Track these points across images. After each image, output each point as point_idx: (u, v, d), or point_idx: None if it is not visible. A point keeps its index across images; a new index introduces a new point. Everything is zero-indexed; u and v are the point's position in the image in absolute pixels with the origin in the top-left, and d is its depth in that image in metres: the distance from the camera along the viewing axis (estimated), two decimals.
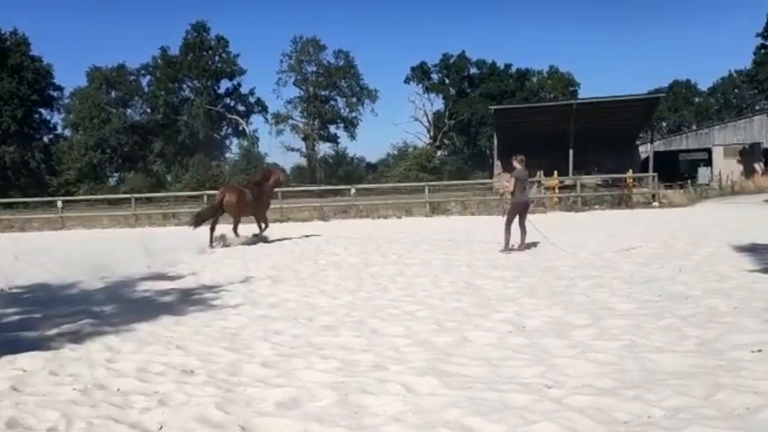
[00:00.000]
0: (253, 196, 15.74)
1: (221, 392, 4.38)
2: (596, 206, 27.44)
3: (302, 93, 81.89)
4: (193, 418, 3.89)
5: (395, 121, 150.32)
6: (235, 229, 15.83)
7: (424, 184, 32.22)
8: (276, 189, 19.46)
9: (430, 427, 3.61)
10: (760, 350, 4.78)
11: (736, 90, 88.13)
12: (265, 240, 15.72)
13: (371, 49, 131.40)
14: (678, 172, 52.65)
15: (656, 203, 27.62)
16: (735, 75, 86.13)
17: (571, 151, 37.58)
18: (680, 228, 15.93)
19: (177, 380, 4.73)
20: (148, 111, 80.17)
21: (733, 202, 30.66)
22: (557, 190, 29.65)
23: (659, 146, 52.37)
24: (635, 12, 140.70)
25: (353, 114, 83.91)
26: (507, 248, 11.86)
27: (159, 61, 79.34)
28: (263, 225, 16.19)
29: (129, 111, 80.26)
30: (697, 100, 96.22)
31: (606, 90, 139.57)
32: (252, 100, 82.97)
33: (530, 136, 42.14)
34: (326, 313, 6.95)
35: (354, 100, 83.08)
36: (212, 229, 15.22)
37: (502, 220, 13.09)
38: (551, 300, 7.19)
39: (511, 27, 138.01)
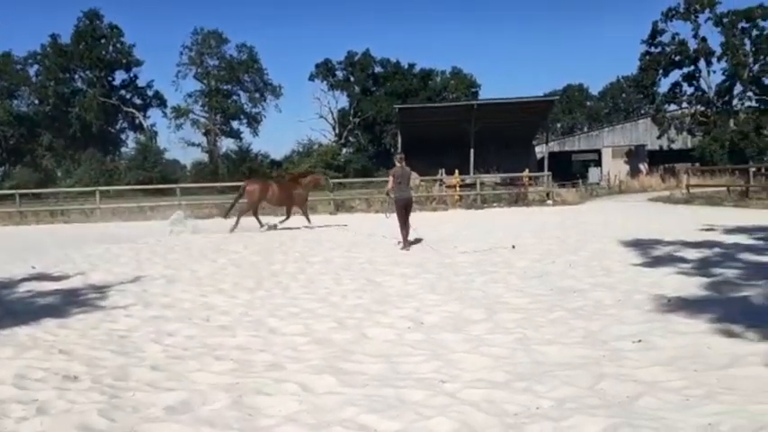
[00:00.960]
0: (281, 190, 18.06)
1: (106, 398, 4.16)
2: (495, 204, 28.32)
3: (203, 86, 79.47)
4: (75, 427, 3.67)
5: (300, 118, 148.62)
6: (255, 215, 17.99)
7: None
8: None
9: (325, 426, 3.57)
10: (640, 340, 5.06)
11: (623, 94, 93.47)
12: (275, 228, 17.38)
13: (275, 44, 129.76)
14: (571, 171, 55.31)
15: (550, 201, 28.84)
16: (622, 80, 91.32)
17: (472, 150, 38.55)
18: (571, 225, 16.69)
19: (59, 386, 4.44)
20: (36, 102, 75.44)
21: (620, 201, 32.52)
22: (458, 188, 30.33)
23: (554, 146, 54.78)
24: (533, 17, 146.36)
25: (257, 110, 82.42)
26: (405, 245, 12.17)
27: (49, 50, 74.64)
28: (286, 217, 18.32)
29: (15, 102, 75.22)
30: (589, 103, 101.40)
31: (505, 92, 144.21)
32: (149, 93, 79.77)
33: (433, 135, 43.00)
34: (223, 313, 6.77)
35: (258, 95, 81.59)
36: (255, 215, 17.95)
37: (388, 218, 13.41)
38: (450, 295, 7.33)
39: (415, 27, 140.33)
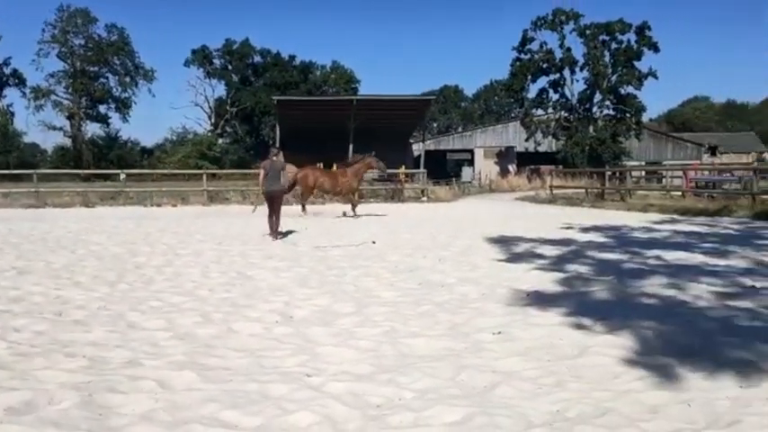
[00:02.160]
0: (329, 178, 19.03)
1: None
2: (372, 199, 28.64)
3: (67, 67, 74.25)
4: None
5: (174, 105, 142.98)
6: (302, 204, 18.90)
7: (202, 171, 31.16)
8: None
9: (182, 423, 3.43)
10: (500, 332, 5.29)
11: (496, 98, 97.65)
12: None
13: (149, 26, 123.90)
14: (445, 170, 57.01)
15: (425, 198, 29.60)
16: (495, 84, 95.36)
17: (351, 146, 38.76)
18: (444, 221, 17.21)
19: None
20: None
21: (490, 199, 33.97)
22: None
23: (430, 145, 56.19)
24: (412, 16, 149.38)
25: (127, 94, 78.12)
26: (273, 235, 12.49)
27: None
28: (355, 205, 19.05)
29: None
30: (463, 104, 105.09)
31: (385, 89, 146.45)
32: (6, 71, 73.45)
33: (312, 128, 42.80)
34: (79, 307, 6.34)
35: (128, 79, 77.30)
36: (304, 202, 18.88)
37: (254, 213, 13.41)
38: (321, 289, 7.31)
39: (296, 19, 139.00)
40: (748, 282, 7.29)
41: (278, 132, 42.49)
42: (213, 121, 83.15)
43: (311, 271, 8.64)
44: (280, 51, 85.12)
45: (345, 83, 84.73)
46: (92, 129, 77.12)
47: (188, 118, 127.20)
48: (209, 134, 77.96)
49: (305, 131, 43.07)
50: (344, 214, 18.67)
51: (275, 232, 12.62)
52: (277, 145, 42.66)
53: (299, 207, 18.90)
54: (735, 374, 4.07)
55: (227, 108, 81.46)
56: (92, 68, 75.39)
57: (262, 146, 79.84)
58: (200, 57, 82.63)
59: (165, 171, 41.65)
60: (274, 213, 12.76)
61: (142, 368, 4.41)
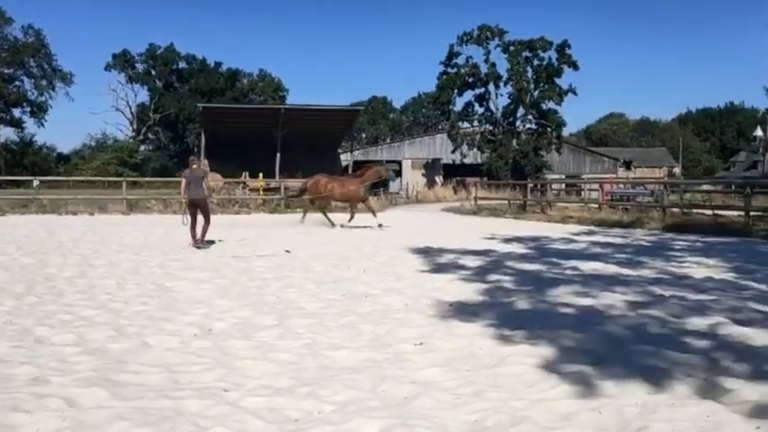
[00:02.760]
0: (339, 186, 18.64)
1: None
2: (299, 209, 28.37)
3: None
4: None
5: (93, 110, 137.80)
6: (305, 212, 19.35)
7: (122, 179, 30.16)
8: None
9: None
10: (422, 343, 5.32)
11: (423, 110, 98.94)
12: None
13: (68, 28, 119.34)
14: None
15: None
16: (423, 96, 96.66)
17: (278, 155, 38.42)
18: (368, 231, 17.23)
19: None
20: None
21: (417, 210, 34.32)
22: (261, 192, 30.01)
23: (358, 155, 56.40)
24: (341, 28, 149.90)
25: (43, 98, 74.82)
26: (196, 243, 12.45)
27: None
28: (373, 212, 18.94)
29: None
30: (392, 116, 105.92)
31: (313, 98, 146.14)
32: None
33: (239, 136, 42.16)
34: None
35: (44, 82, 74.15)
36: (323, 212, 18.94)
37: (185, 224, 13.15)
38: (242, 301, 7.17)
39: (222, 25, 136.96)
40: (658, 291, 7.62)
41: (203, 140, 41.66)
42: (135, 127, 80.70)
43: (233, 282, 8.47)
44: (206, 58, 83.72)
45: (273, 91, 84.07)
46: (5, 133, 73.57)
47: (108, 123, 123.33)
48: (131, 140, 75.61)
49: (231, 140, 42.39)
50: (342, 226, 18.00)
51: (201, 240, 12.56)
52: (201, 153, 41.94)
53: (314, 217, 18.93)
54: (643, 381, 4.22)
55: (150, 114, 79.25)
56: (6, 71, 71.89)
57: (186, 153, 77.93)
58: (122, 61, 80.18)
59: (83, 178, 40.01)
60: (204, 221, 12.80)
61: (49, 385, 4.19)
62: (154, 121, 79.10)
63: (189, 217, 12.87)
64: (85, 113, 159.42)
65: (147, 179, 43.70)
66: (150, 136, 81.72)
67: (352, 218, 18.43)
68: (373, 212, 19.01)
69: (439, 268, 9.78)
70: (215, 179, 34.23)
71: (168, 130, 79.17)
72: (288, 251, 11.54)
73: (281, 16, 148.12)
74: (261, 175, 30.85)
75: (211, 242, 13.09)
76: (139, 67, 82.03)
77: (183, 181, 13.11)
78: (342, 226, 17.80)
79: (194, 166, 13.22)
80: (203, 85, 78.94)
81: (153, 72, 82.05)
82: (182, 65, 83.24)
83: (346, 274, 9.28)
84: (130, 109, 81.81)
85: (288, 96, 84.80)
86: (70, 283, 8.28)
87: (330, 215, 18.91)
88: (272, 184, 31.72)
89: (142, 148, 77.03)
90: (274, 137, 38.32)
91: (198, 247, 12.22)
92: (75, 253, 11.42)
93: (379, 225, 17.74)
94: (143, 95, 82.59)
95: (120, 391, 4.08)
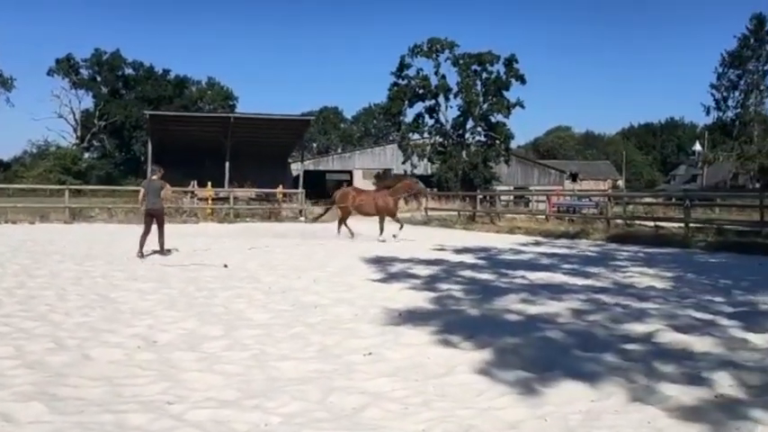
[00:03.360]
0: (367, 199, 18.35)
1: None
2: (248, 219, 28.12)
3: None
4: None
5: (35, 116, 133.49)
6: (339, 224, 18.87)
7: (64, 187, 29.28)
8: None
9: None
10: (371, 353, 5.31)
11: (374, 120, 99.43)
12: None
13: (9, 32, 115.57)
14: (325, 190, 57.09)
15: (302, 218, 29.41)
16: (374, 107, 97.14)
17: (227, 164, 37.94)
18: (323, 241, 17.14)
19: None
20: None
21: (368, 220, 34.22)
22: (210, 201, 29.57)
23: (309, 165, 56.25)
24: (291, 37, 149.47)
25: None
26: (141, 253, 12.27)
27: None
28: (399, 226, 17.99)
29: None
30: (343, 126, 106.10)
31: (264, 107, 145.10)
32: None
33: (187, 145, 41.44)
34: None
35: None
36: (345, 224, 18.66)
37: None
38: (189, 312, 7.02)
39: (171, 32, 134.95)
40: (603, 299, 7.81)
41: (150, 148, 40.81)
42: (79, 134, 78.50)
43: (179, 293, 8.29)
44: (153, 65, 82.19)
45: (223, 100, 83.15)
46: None
47: (51, 130, 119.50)
48: (74, 148, 73.48)
49: (180, 148, 41.61)
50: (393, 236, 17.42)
51: (161, 250, 12.70)
52: (149, 162, 41.10)
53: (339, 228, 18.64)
54: (588, 388, 4.31)
55: (95, 121, 77.29)
56: None
57: (132, 161, 76.43)
58: (66, 66, 78.03)
59: (23, 186, 38.60)
60: (159, 231, 12.82)
61: None
62: (99, 128, 77.17)
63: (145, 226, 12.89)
64: (27, 120, 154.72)
65: (91, 187, 42.58)
66: (95, 143, 79.69)
67: (382, 231, 17.80)
68: (401, 224, 18.42)
69: (390, 278, 9.80)
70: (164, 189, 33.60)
71: (114, 138, 77.37)
72: (226, 266, 11.03)
73: (233, 25, 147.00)
74: (209, 184, 30.40)
75: (169, 251, 13.01)
76: (84, 72, 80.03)
77: (142, 191, 13.27)
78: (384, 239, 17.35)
79: (154, 177, 13.21)
80: (151, 92, 77.49)
81: (98, 78, 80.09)
82: (128, 71, 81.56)
83: (296, 284, 9.20)
84: (74, 116, 79.64)
85: (238, 105, 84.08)
86: (8, 293, 7.96)
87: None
88: (221, 194, 31.30)
89: (86, 155, 75.01)
90: (223, 146, 37.84)
91: (142, 257, 12.11)
92: (14, 263, 11.01)
93: (393, 236, 17.35)
94: (88, 102, 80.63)
95: (60, 406, 3.94)
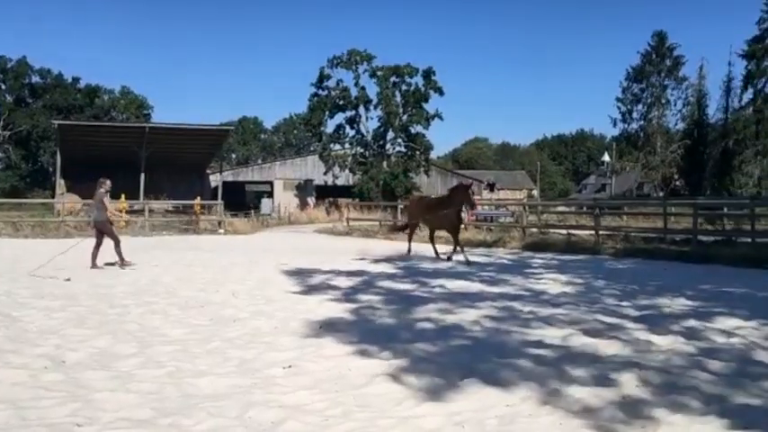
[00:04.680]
0: (433, 210, 15.72)
1: None
2: (164, 231, 27.32)
3: None
4: None
5: None
6: (406, 231, 17.79)
7: None
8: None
9: None
10: (290, 366, 5.27)
11: (295, 131, 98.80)
12: (468, 263, 13.95)
13: None
14: (245, 201, 56.29)
15: (221, 230, 28.86)
16: (294, 117, 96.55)
17: (143, 175, 36.79)
18: (240, 253, 16.88)
19: None
20: None
21: (289, 231, 34.07)
22: (124, 213, 28.52)
23: (228, 176, 55.25)
24: (209, 45, 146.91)
25: None
26: (94, 265, 12.43)
27: None
28: (457, 246, 15.14)
29: None
30: (263, 136, 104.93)
31: (180, 117, 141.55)
32: None
33: (100, 156, 39.83)
34: None
35: None
36: (409, 238, 17.19)
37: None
38: (100, 329, 6.75)
39: (80, 39, 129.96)
40: (517, 306, 8.06)
41: (59, 159, 39.10)
42: None
43: (90, 310, 7.95)
44: (62, 72, 78.74)
45: (137, 109, 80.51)
46: None
47: None
48: None
49: (91, 159, 39.89)
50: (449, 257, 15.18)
51: (121, 262, 12.77)
52: (57, 173, 39.31)
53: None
54: (503, 393, 4.44)
55: None
56: None
57: (40, 173, 72.84)
58: None
59: None
60: (113, 242, 12.88)
61: None
62: (3, 138, 73.11)
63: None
64: None
65: None
66: None
67: (457, 246, 15.40)
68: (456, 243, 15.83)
69: (310, 290, 9.76)
70: (71, 200, 32.18)
71: (20, 148, 73.43)
72: (68, 279, 10.60)
73: (146, 31, 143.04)
74: (123, 196, 29.34)
75: (129, 263, 12.96)
76: None
77: (91, 203, 13.54)
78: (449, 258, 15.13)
79: (100, 189, 13.05)
80: (59, 101, 74.16)
81: (2, 86, 75.98)
82: (35, 79, 77.76)
83: (214, 297, 9.02)
84: None
85: (153, 114, 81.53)
86: None
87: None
88: (136, 206, 30.27)
89: None
90: (138, 157, 36.69)
91: (96, 268, 12.33)
92: None
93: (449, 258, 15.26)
94: None
95: None
